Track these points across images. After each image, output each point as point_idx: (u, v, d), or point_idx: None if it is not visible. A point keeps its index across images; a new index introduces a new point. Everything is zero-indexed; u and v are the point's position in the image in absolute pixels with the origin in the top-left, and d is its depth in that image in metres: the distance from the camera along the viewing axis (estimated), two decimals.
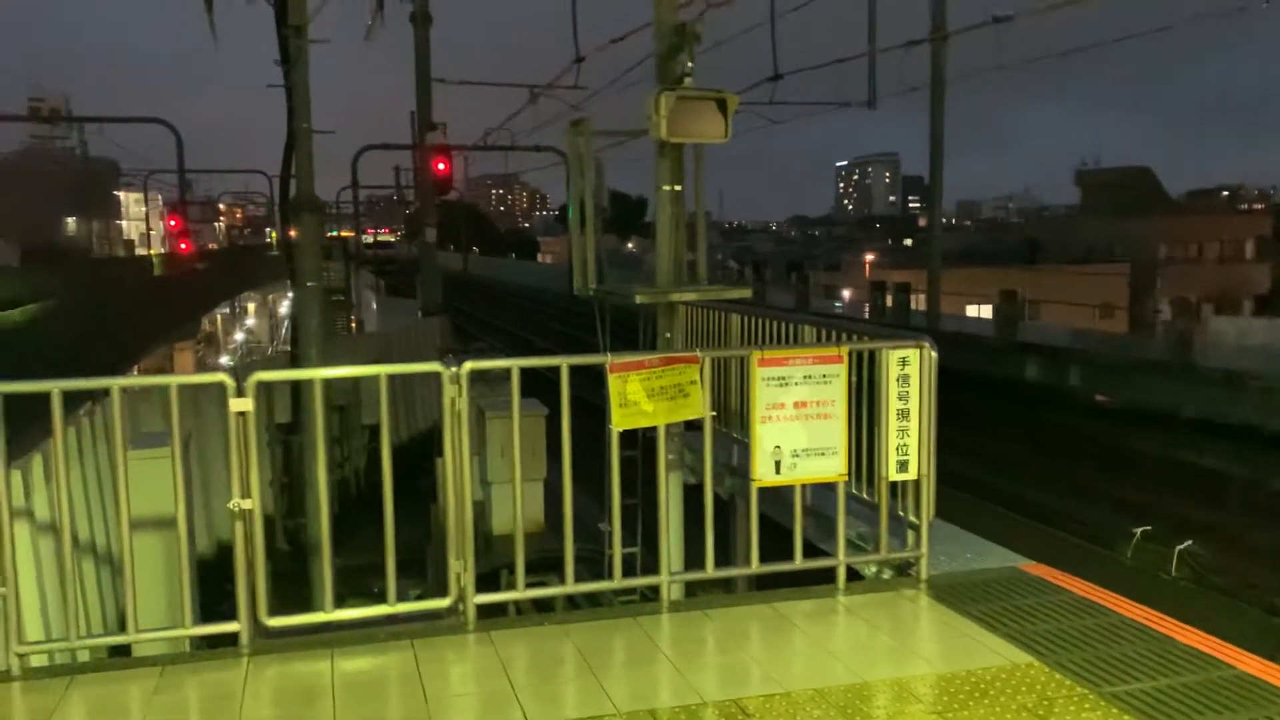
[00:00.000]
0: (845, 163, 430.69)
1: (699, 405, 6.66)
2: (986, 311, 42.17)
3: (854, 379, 6.99)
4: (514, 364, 6.54)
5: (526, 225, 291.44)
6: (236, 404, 6.06)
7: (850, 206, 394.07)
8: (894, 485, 7.33)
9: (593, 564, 9.74)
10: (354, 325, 35.23)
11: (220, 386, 6.07)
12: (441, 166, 29.90)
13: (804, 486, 7.15)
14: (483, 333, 52.90)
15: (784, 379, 6.81)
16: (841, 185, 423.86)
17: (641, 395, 6.53)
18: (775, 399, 6.80)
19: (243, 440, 6.06)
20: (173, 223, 52.52)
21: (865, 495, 8.01)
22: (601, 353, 6.68)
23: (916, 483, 7.26)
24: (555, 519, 14.11)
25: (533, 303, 73.24)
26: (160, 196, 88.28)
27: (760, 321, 10.03)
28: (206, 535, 15.59)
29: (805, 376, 6.83)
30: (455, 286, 77.30)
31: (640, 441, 7.87)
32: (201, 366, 60.51)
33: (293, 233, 12.70)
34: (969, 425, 22.28)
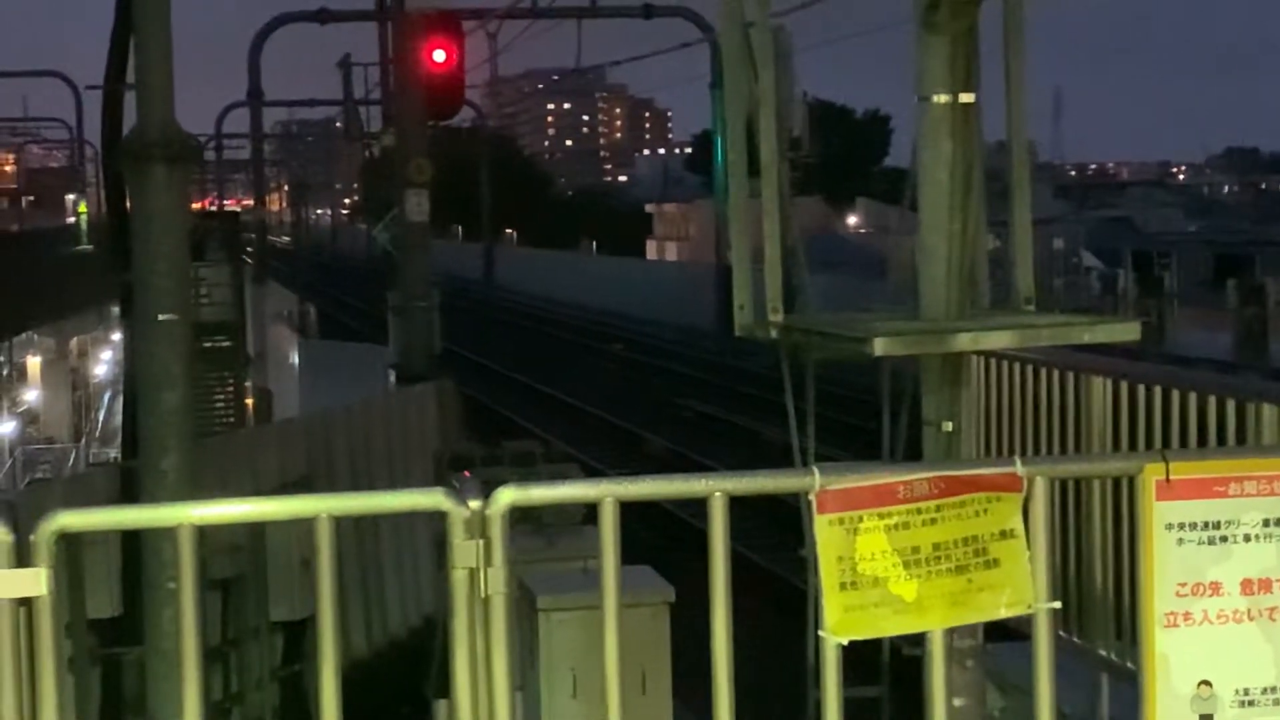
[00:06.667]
0: None
1: (1023, 584, 4.05)
2: None
3: None
4: (606, 492, 3.98)
5: (623, 179, 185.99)
6: (12, 581, 3.73)
7: None
8: None
9: None
10: (251, 403, 21.92)
11: None
12: (441, 56, 17.96)
13: None
14: (529, 415, 31.24)
15: (1218, 527, 4.19)
16: None
17: (889, 561, 4.03)
18: (1197, 572, 4.17)
19: (23, 660, 3.66)
20: None
21: None
22: (798, 465, 4.84)
23: None
24: None
25: (638, 351, 44.86)
26: None
27: (1155, 393, 6.86)
28: None
29: (1269, 523, 4.19)
30: (468, 313, 49.19)
31: (890, 661, 6.13)
32: None
33: (128, 204, 7.61)
34: None
